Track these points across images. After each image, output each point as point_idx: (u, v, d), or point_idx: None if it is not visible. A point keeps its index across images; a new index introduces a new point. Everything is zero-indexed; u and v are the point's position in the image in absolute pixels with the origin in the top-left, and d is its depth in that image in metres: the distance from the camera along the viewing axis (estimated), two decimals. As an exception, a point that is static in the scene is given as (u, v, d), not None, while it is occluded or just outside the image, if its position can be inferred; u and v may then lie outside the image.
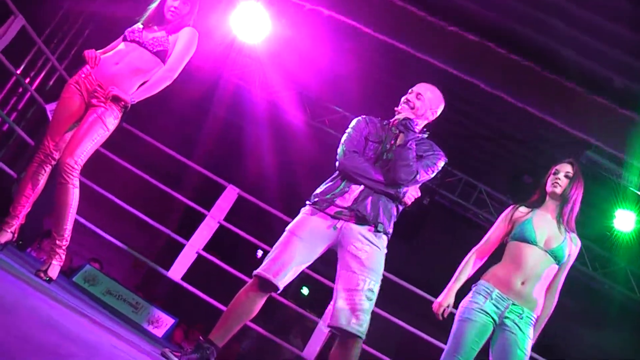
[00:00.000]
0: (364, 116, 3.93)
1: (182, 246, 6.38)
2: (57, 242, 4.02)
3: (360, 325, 3.44)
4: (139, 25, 4.25)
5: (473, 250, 4.16)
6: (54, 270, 3.97)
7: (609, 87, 5.78)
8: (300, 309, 6.48)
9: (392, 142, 3.76)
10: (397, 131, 3.78)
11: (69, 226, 4.02)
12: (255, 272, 3.60)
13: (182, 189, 7.46)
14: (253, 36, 7.85)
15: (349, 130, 3.85)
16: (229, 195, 6.62)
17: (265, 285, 3.57)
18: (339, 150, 3.77)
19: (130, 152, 6.88)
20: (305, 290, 13.01)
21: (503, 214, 4.21)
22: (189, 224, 7.18)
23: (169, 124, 9.10)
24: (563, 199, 4.05)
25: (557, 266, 3.99)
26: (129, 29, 4.24)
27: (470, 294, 3.97)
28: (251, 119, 10.05)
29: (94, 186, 6.24)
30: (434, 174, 3.80)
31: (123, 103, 4.03)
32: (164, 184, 6.65)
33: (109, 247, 7.15)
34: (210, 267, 6.40)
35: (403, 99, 3.90)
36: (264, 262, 3.59)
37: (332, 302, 3.55)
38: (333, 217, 3.61)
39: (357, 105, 8.78)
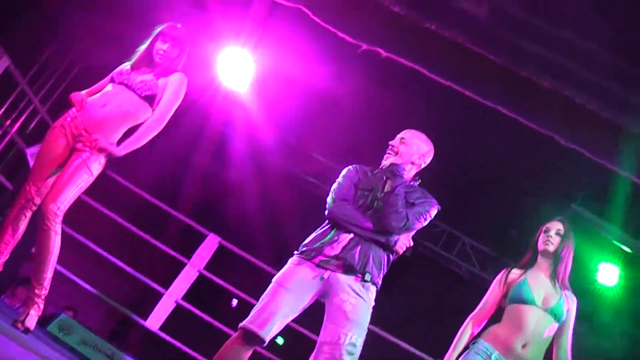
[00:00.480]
0: (354, 165, 3.88)
1: (158, 294, 6.25)
2: (37, 291, 3.88)
3: None
4: (127, 66, 4.19)
5: (469, 317, 4.07)
6: (31, 320, 3.82)
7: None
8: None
9: (382, 190, 3.70)
10: (385, 178, 3.72)
11: (49, 275, 3.89)
12: (240, 324, 3.48)
13: (163, 237, 7.35)
14: (238, 82, 7.83)
15: (339, 179, 3.79)
16: (210, 243, 6.53)
17: (251, 338, 3.45)
18: (329, 198, 3.71)
19: (109, 198, 6.77)
20: (280, 340, 12.79)
21: (497, 278, 4.14)
22: (169, 271, 7.06)
23: (151, 170, 9.03)
24: (556, 258, 4.02)
25: (557, 324, 3.92)
26: (117, 71, 4.18)
27: (468, 353, 3.88)
28: (234, 166, 9.99)
29: (69, 231, 6.10)
30: (427, 222, 3.72)
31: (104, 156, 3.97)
32: (145, 230, 6.55)
33: (83, 293, 6.99)
34: (191, 315, 6.27)
35: (390, 143, 3.85)
36: (250, 314, 3.49)
37: (312, 355, 3.45)
38: (320, 266, 3.53)
39: (342, 155, 8.79)
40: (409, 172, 3.80)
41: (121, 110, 4.04)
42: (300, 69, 7.19)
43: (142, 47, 4.20)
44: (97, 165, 3.95)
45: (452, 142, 7.36)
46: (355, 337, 3.41)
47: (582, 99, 5.25)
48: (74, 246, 6.27)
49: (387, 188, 3.66)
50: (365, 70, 6.68)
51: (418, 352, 6.19)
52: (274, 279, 3.59)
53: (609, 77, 5.19)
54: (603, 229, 7.06)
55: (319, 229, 3.70)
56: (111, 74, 4.19)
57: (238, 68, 7.43)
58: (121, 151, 3.97)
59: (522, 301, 3.90)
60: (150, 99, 4.10)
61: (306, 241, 3.66)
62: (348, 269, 3.50)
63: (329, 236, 3.59)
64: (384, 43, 5.51)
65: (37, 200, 3.94)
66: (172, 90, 4.13)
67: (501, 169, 7.93)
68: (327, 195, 3.72)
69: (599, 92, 5.31)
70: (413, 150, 3.81)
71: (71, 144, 3.98)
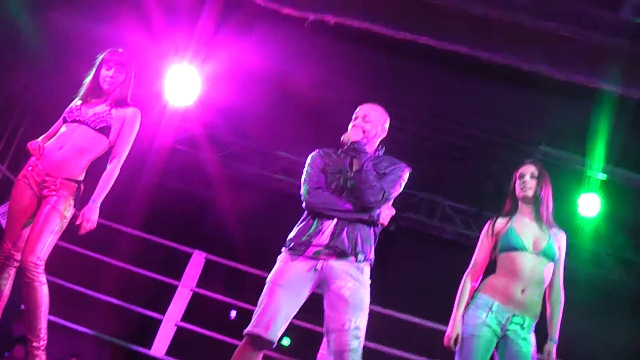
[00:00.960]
0: (316, 151, 3.87)
1: (156, 320, 6.22)
2: (34, 344, 3.82)
3: None
4: (77, 102, 4.15)
5: (465, 275, 4.06)
6: None
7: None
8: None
9: (350, 169, 3.71)
10: (351, 158, 3.73)
11: (43, 325, 3.84)
12: (245, 331, 3.46)
13: (146, 263, 7.30)
14: (185, 98, 7.77)
15: (306, 168, 3.77)
16: (197, 261, 6.50)
17: (258, 342, 3.44)
18: (302, 190, 3.70)
19: (78, 237, 6.70)
20: (285, 342, 12.77)
21: (483, 231, 4.14)
22: (160, 296, 7.02)
23: (111, 200, 8.93)
24: (536, 200, 4.04)
25: (552, 264, 3.97)
26: (67, 110, 4.12)
27: (470, 309, 3.91)
28: (200, 180, 9.95)
29: (50, 278, 6.01)
30: (402, 186, 3.74)
31: (74, 189, 3.95)
32: (126, 261, 6.51)
33: (82, 338, 6.93)
34: (193, 335, 6.25)
35: (350, 124, 3.82)
36: (253, 319, 3.47)
37: (322, 344, 3.47)
38: (312, 258, 3.53)
39: (304, 147, 8.81)
40: (372, 144, 3.80)
41: (77, 147, 4.00)
42: (250, 69, 7.23)
43: (88, 79, 4.17)
44: (67, 207, 3.92)
45: (413, 108, 7.46)
46: (359, 320, 3.43)
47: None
48: (61, 292, 6.21)
49: (355, 167, 3.65)
50: (316, 49, 6.74)
51: (420, 321, 6.21)
52: (268, 279, 3.57)
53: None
54: (574, 162, 7.16)
55: (300, 221, 3.69)
56: (63, 115, 4.13)
57: (185, 84, 7.40)
58: (95, 201, 3.96)
59: (513, 249, 3.93)
60: (106, 131, 4.06)
61: (291, 236, 3.64)
62: (340, 254, 3.50)
63: (313, 227, 3.59)
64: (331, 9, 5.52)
65: (17, 256, 3.88)
66: (128, 130, 4.11)
67: (466, 127, 8.02)
68: (299, 188, 3.72)
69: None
70: (375, 123, 3.82)
71: (37, 192, 3.94)
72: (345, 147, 3.74)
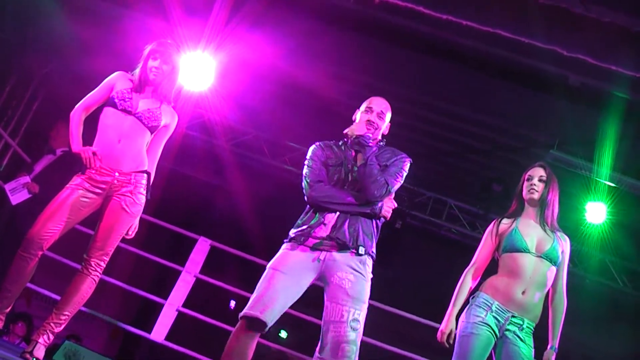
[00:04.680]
0: (317, 143, 3.87)
1: (158, 305, 6.24)
2: (53, 325, 3.89)
3: (348, 357, 3.36)
4: (127, 85, 4.11)
5: (465, 272, 4.08)
6: (40, 351, 3.83)
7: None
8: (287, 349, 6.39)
9: (352, 161, 3.71)
10: (353, 151, 3.72)
11: (71, 314, 3.95)
12: (240, 313, 3.46)
13: (152, 249, 7.33)
14: (200, 85, 7.78)
15: (307, 161, 3.79)
16: (202, 247, 6.51)
17: (253, 324, 3.43)
18: (304, 183, 3.71)
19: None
20: (283, 334, 12.80)
21: (487, 230, 4.16)
22: (163, 282, 7.04)
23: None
24: (542, 203, 4.05)
25: (555, 268, 3.97)
26: (118, 94, 4.07)
27: (470, 308, 3.92)
28: (211, 168, 9.98)
29: (58, 257, 6.04)
30: (404, 178, 3.76)
31: (147, 179, 4.08)
32: (131, 244, 6.51)
33: (83, 320, 6.95)
34: (194, 321, 6.27)
35: (364, 118, 3.80)
36: (249, 302, 3.47)
37: (320, 335, 3.47)
38: (313, 249, 3.54)
39: (314, 138, 8.83)
40: (376, 137, 3.82)
41: (134, 140, 4.03)
42: (262, 59, 7.25)
43: (138, 69, 4.15)
44: (137, 207, 4.05)
45: (426, 111, 7.44)
46: (357, 312, 3.43)
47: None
48: (64, 271, 6.24)
49: (359, 161, 3.65)
50: (328, 41, 6.74)
51: (424, 321, 6.21)
52: (268, 266, 3.57)
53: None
54: (586, 169, 7.13)
55: (302, 214, 3.70)
56: (112, 96, 4.06)
57: (200, 71, 7.40)
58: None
59: (516, 250, 3.93)
60: (154, 129, 4.13)
61: (293, 229, 3.65)
62: (342, 247, 3.51)
63: (314, 220, 3.60)
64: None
65: (45, 245, 3.85)
66: (166, 135, 4.26)
67: (475, 127, 8.00)
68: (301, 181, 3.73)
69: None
70: (386, 119, 3.87)
71: (105, 192, 3.97)
72: (349, 140, 3.75)
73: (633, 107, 5.71)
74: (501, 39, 5.51)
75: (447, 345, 3.93)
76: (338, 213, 3.58)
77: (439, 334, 3.94)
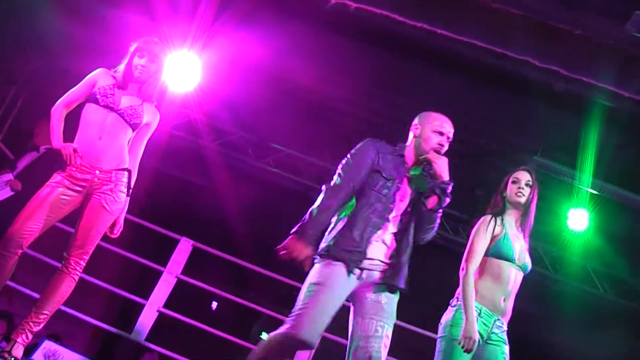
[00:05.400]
0: (373, 143, 3.61)
1: (140, 305, 6.22)
2: (31, 324, 3.86)
3: None
4: (109, 82, 4.08)
5: (467, 274, 3.89)
6: (18, 350, 3.80)
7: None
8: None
9: (401, 183, 3.51)
10: (426, 191, 3.49)
11: (50, 313, 3.91)
12: (293, 333, 3.22)
13: (138, 249, 7.30)
14: (185, 85, 7.76)
15: (352, 159, 3.53)
16: (183, 248, 6.50)
17: (304, 346, 3.27)
18: (336, 181, 3.47)
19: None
20: (264, 336, 12.75)
21: (482, 227, 4.05)
22: (145, 282, 7.01)
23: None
24: (526, 209, 4.08)
25: (523, 275, 4.04)
26: (100, 90, 4.03)
27: (457, 312, 3.83)
28: (194, 168, 9.95)
29: (38, 255, 5.99)
30: None
31: (127, 177, 4.03)
32: (112, 243, 6.48)
33: (64, 319, 6.90)
34: (174, 322, 6.25)
35: (435, 140, 3.59)
36: (300, 321, 3.22)
37: (346, 354, 3.34)
38: (362, 268, 3.38)
39: (299, 141, 8.86)
40: None
41: (115, 138, 3.98)
42: (249, 59, 7.25)
43: (122, 66, 4.12)
44: (117, 205, 3.99)
45: (408, 111, 7.45)
46: (390, 330, 3.36)
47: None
48: (45, 270, 6.20)
49: (430, 204, 3.46)
50: (316, 44, 6.75)
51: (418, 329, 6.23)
52: (314, 282, 3.34)
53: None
54: (566, 175, 7.18)
55: (352, 227, 3.41)
56: (94, 92, 4.02)
57: (186, 71, 7.39)
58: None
59: (504, 257, 3.95)
60: (136, 127, 4.08)
61: (337, 239, 3.41)
62: (391, 280, 3.40)
63: (366, 236, 3.39)
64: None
65: (25, 243, 3.81)
66: (148, 133, 4.19)
67: (459, 132, 8.00)
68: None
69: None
70: None
71: (85, 190, 3.93)
72: (426, 170, 3.55)
73: (615, 115, 5.76)
74: (477, 48, 5.54)
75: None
76: (393, 239, 3.47)
77: (469, 342, 3.69)
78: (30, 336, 3.87)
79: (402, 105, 7.50)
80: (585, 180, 6.98)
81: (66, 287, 3.93)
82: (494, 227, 4.04)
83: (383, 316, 3.33)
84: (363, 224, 3.38)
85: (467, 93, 6.87)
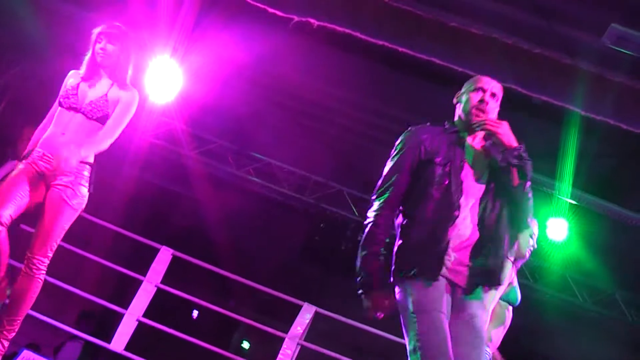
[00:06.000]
0: (409, 133, 3.13)
1: (120, 315, 6.17)
2: (5, 332, 3.81)
3: None
4: (73, 83, 4.02)
5: None
6: None
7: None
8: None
9: (464, 160, 3.00)
10: (502, 166, 2.94)
11: (21, 318, 3.85)
12: None
13: (117, 257, 7.25)
14: (166, 93, 7.73)
15: (396, 158, 3.07)
16: (163, 257, 6.46)
17: None
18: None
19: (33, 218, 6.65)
20: (245, 345, 12.66)
21: None
22: (125, 291, 6.96)
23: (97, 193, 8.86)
24: None
25: None
26: (62, 93, 4.01)
27: None
28: (174, 177, 9.92)
29: (14, 263, 5.93)
30: None
31: (88, 171, 3.90)
32: (91, 252, 6.45)
33: (43, 328, 6.83)
34: (154, 331, 6.21)
35: (473, 99, 3.08)
36: (423, 355, 2.71)
37: None
38: (447, 278, 2.87)
39: (280, 149, 8.86)
40: None
41: (78, 137, 3.89)
42: (230, 66, 7.25)
43: (87, 56, 4.07)
44: (79, 199, 3.89)
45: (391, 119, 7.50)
46: (485, 357, 2.86)
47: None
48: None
49: (515, 181, 2.92)
50: (297, 50, 6.76)
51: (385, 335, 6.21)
52: (421, 309, 2.80)
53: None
54: (545, 185, 7.23)
55: (401, 230, 2.99)
56: (58, 98, 4.01)
57: (166, 79, 7.37)
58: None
59: None
60: (103, 120, 3.97)
61: (408, 250, 2.93)
62: (487, 278, 2.88)
63: (441, 241, 2.87)
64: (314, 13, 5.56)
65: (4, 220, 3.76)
66: (121, 111, 4.00)
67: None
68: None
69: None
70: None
71: (48, 179, 3.86)
72: (488, 142, 3.05)
73: (592, 126, 5.83)
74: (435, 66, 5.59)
75: None
76: (477, 234, 2.93)
77: None
78: (6, 344, 3.83)
79: (388, 113, 7.55)
80: (565, 190, 7.02)
81: (34, 290, 3.85)
82: None
83: (477, 345, 2.81)
84: (431, 225, 2.89)
85: (446, 102, 6.92)
